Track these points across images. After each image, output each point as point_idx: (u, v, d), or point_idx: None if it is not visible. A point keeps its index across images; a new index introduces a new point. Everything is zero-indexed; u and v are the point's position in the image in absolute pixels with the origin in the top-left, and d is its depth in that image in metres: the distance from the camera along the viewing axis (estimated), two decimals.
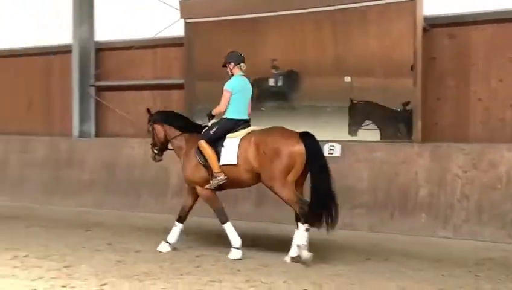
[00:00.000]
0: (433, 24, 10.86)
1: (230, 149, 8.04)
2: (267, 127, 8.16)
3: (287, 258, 7.87)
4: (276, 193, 7.81)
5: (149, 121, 8.94)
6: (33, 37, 15.35)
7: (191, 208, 8.55)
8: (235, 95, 8.19)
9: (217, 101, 8.30)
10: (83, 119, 14.15)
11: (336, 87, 11.07)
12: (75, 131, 14.09)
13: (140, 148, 12.54)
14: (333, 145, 10.83)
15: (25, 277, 6.91)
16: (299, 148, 7.66)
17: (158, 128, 8.80)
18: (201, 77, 12.46)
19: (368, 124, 10.99)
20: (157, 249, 8.47)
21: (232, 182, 8.15)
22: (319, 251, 8.06)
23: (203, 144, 8.12)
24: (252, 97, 8.47)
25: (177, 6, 12.78)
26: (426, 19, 10.72)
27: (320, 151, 7.79)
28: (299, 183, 7.84)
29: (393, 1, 10.63)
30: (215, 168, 8.03)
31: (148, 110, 9.03)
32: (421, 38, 10.45)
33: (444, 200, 9.93)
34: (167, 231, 8.62)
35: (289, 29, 11.64)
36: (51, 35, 15.04)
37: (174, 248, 8.50)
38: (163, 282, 6.76)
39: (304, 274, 7.21)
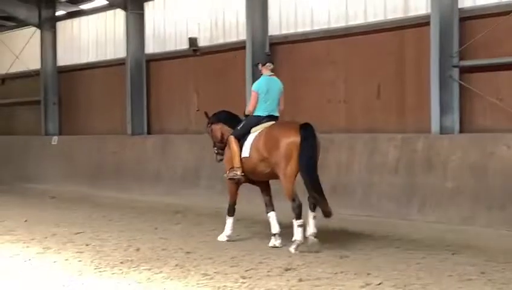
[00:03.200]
0: None
1: (248, 143, 10.93)
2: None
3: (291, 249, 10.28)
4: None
5: (207, 123, 11.97)
6: (382, 7, 15.77)
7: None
8: (263, 95, 11.10)
9: None
10: (444, 110, 14.14)
11: None
12: (435, 125, 14.17)
13: None
14: None
15: None
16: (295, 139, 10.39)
17: (215, 128, 11.81)
18: None
19: None
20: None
21: (250, 174, 11.07)
22: None
23: (230, 139, 11.20)
24: None
25: None
26: None
27: (314, 143, 10.39)
28: None
29: None
30: (235, 162, 11.06)
31: (206, 113, 12.05)
32: None
33: None
34: None
35: None
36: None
37: None
38: None
39: None
